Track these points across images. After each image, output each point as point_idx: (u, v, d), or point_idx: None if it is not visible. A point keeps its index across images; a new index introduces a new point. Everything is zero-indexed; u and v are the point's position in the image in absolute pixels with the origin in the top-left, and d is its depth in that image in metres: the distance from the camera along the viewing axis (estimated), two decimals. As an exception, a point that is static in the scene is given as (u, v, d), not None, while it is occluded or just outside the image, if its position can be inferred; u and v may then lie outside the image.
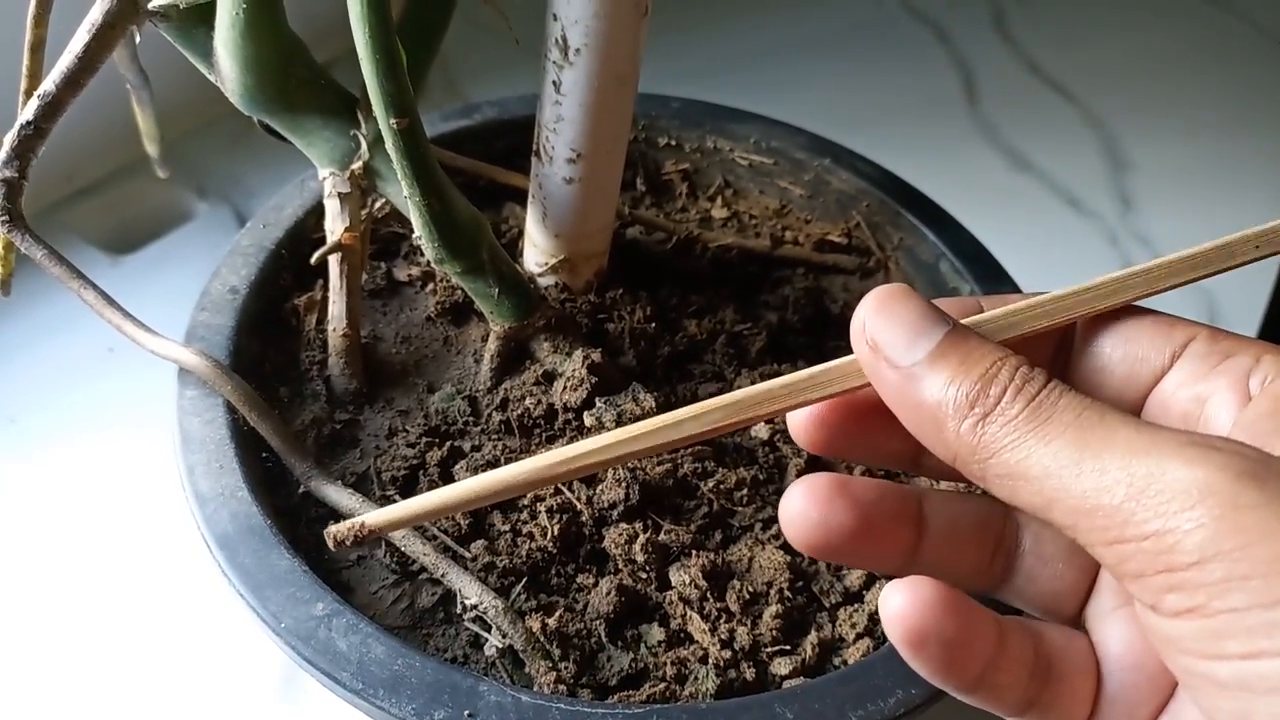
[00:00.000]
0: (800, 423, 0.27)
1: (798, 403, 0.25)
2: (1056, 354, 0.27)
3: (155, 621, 0.47)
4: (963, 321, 0.25)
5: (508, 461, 0.36)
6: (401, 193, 0.35)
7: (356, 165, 0.37)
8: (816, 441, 0.27)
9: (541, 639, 0.32)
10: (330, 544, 0.24)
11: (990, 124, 0.80)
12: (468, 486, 0.25)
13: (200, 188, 0.67)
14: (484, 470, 0.35)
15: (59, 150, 0.63)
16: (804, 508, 0.25)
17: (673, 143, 0.48)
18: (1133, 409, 0.26)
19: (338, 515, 0.35)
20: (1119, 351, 0.26)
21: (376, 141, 0.37)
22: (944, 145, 0.77)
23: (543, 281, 0.42)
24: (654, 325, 0.41)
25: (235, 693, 0.45)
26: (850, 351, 0.25)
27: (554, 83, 0.36)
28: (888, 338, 0.24)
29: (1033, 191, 0.76)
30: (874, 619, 0.34)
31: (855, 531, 0.25)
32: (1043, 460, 0.21)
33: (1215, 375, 0.24)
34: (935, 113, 0.81)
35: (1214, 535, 0.19)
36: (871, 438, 0.27)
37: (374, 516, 0.24)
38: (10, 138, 0.34)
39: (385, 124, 0.32)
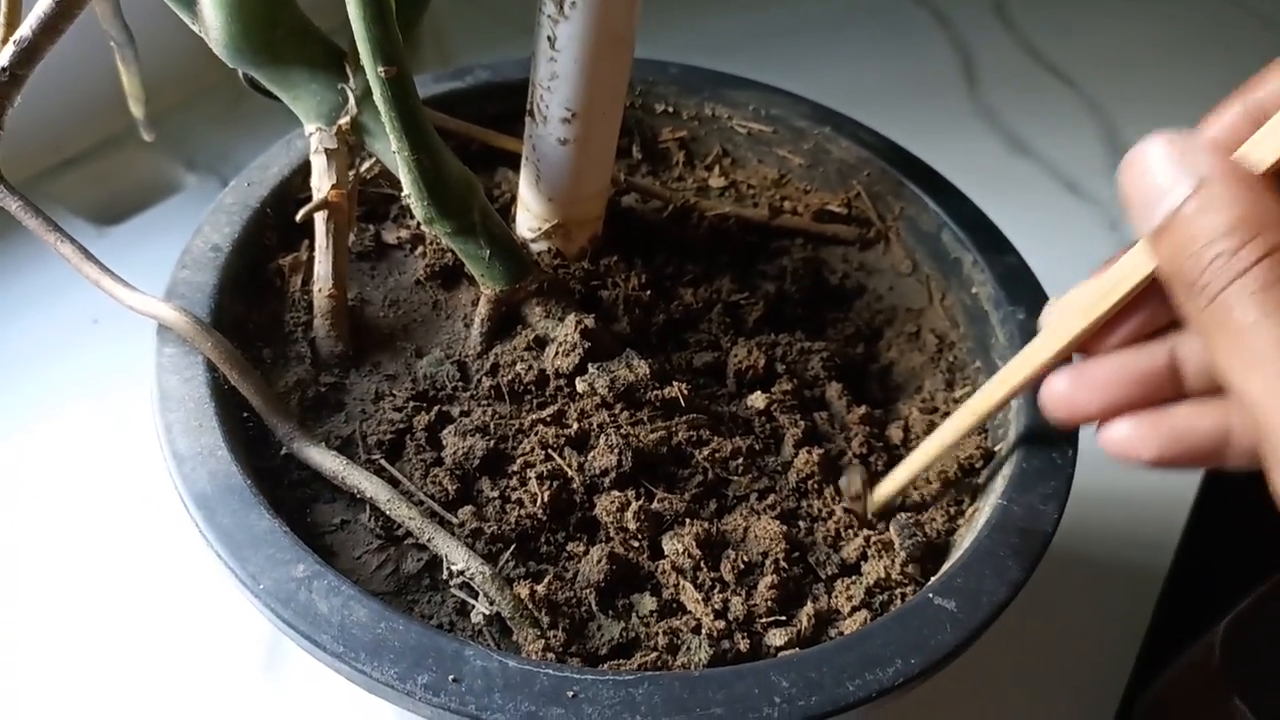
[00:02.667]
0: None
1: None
2: None
3: (138, 593, 0.46)
4: None
5: (497, 428, 0.35)
6: (390, 149, 0.34)
7: (344, 120, 0.36)
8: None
9: (530, 606, 0.31)
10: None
11: (989, 108, 0.79)
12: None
13: (189, 160, 0.66)
14: (473, 436, 0.35)
15: (45, 120, 0.63)
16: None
17: (670, 109, 0.47)
18: None
19: (320, 478, 0.34)
20: None
21: (365, 96, 0.36)
22: (943, 128, 0.76)
23: (535, 248, 0.40)
24: (649, 293, 0.40)
25: (219, 665, 0.44)
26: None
27: (549, 38, 0.35)
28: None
29: (1031, 176, 0.75)
30: (871, 591, 0.33)
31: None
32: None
33: None
34: (934, 96, 0.80)
35: None
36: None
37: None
38: (-15, 85, 0.33)
39: (373, 73, 0.31)
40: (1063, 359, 0.30)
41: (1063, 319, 0.30)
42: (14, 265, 0.57)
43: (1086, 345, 0.30)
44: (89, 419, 0.52)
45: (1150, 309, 0.29)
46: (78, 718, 0.42)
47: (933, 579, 0.32)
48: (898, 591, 0.33)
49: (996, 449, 0.36)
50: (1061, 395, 0.30)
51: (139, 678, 0.43)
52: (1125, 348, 0.29)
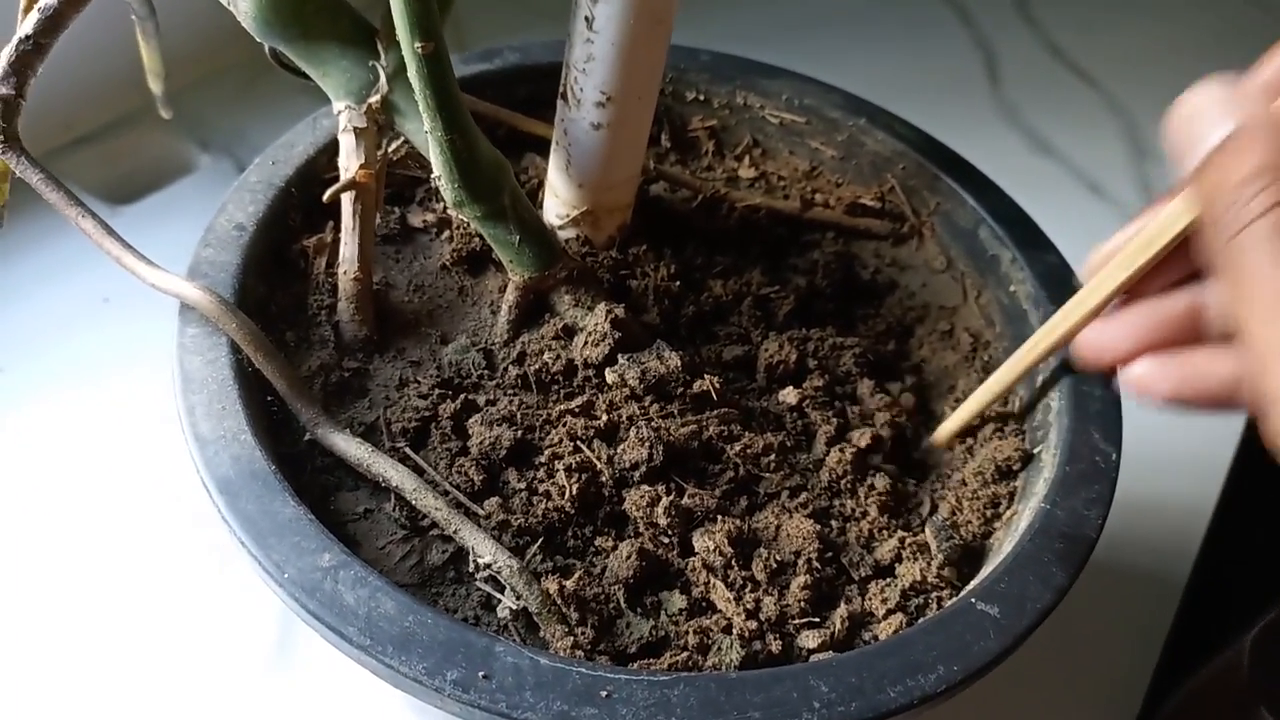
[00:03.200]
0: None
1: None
2: None
3: (143, 578, 0.45)
4: None
5: (524, 418, 0.35)
6: (421, 129, 0.33)
7: (374, 98, 0.35)
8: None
9: (558, 602, 0.30)
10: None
11: (1011, 106, 0.79)
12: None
13: (203, 140, 0.65)
14: (499, 426, 0.34)
15: (58, 97, 0.62)
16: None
17: (701, 97, 0.46)
18: None
19: (344, 465, 0.33)
20: None
21: (396, 74, 0.35)
22: (964, 125, 0.75)
23: (563, 234, 0.40)
24: (678, 284, 0.39)
25: (229, 653, 0.43)
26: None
27: (586, 18, 0.34)
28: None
29: (1053, 175, 0.74)
30: (906, 594, 0.33)
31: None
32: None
33: None
34: (956, 93, 0.79)
35: None
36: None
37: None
38: (8, 52, 0.32)
39: (409, 48, 0.30)
40: (1107, 306, 0.31)
41: (1108, 270, 0.31)
42: (25, 242, 0.56)
43: (1127, 292, 0.31)
44: (97, 399, 0.51)
45: (1183, 259, 0.29)
46: (83, 706, 0.41)
47: (973, 583, 0.32)
48: (934, 595, 0.33)
49: (1036, 451, 0.36)
50: (1089, 339, 0.32)
51: (147, 665, 0.42)
52: (1156, 295, 0.30)
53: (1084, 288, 0.32)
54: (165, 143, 0.64)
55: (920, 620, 0.31)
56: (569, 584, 0.30)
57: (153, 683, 0.42)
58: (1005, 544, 0.33)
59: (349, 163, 0.35)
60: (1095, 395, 0.35)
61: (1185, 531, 0.56)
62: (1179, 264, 0.30)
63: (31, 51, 0.32)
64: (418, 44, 0.30)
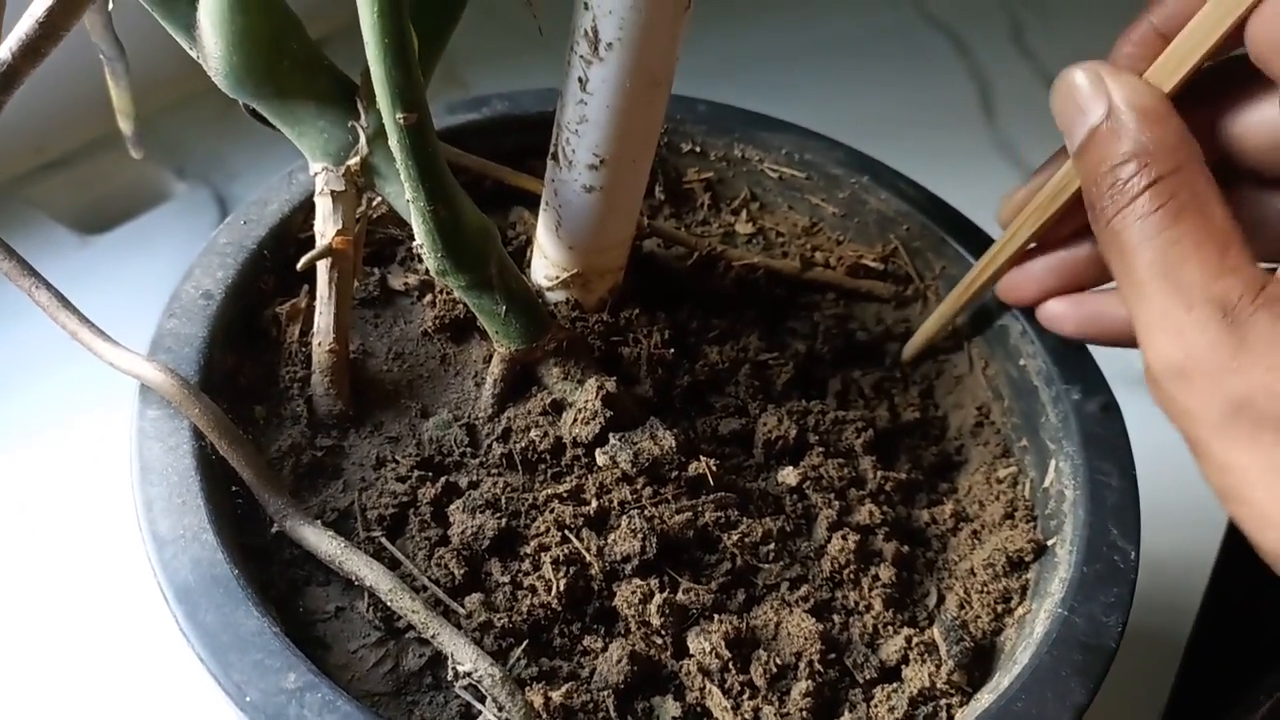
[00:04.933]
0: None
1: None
2: None
3: (118, 630, 0.43)
4: None
5: (509, 503, 0.33)
6: (402, 194, 0.31)
7: (353, 161, 0.33)
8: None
9: (544, 716, 0.28)
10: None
11: (1007, 139, 0.77)
12: None
13: (179, 167, 0.62)
14: (482, 513, 0.32)
15: (28, 119, 0.59)
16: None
17: (697, 149, 0.44)
18: None
19: (315, 558, 0.30)
20: None
21: (377, 135, 0.32)
22: (960, 158, 0.74)
23: (551, 296, 0.38)
24: (672, 351, 0.37)
25: (200, 709, 0.41)
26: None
27: (580, 79, 0.32)
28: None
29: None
30: (915, 702, 0.31)
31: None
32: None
33: None
34: (951, 125, 0.78)
35: None
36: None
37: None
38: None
39: (390, 118, 0.28)
40: (1023, 250, 0.36)
41: (1022, 219, 0.35)
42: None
43: (1040, 238, 0.35)
44: (68, 443, 0.49)
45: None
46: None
47: (984, 694, 0.30)
48: (942, 703, 0.31)
49: (1050, 543, 0.34)
50: (1008, 283, 0.37)
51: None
52: (1065, 241, 0.35)
53: (1002, 236, 0.36)
54: (140, 169, 0.62)
55: (931, 739, 0.29)
56: (556, 696, 0.28)
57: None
58: (1018, 646, 0.31)
59: (325, 228, 0.33)
60: (1112, 486, 0.33)
61: (1184, 588, 0.54)
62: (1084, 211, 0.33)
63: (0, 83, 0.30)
64: (400, 115, 0.27)
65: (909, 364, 0.40)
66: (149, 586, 0.43)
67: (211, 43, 0.31)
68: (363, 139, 0.32)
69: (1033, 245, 0.36)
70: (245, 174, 0.63)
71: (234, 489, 0.31)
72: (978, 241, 0.40)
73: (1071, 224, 0.34)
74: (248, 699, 0.25)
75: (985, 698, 0.30)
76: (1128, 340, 0.31)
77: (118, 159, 0.62)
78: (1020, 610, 0.33)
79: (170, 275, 0.35)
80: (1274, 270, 0.26)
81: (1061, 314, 0.35)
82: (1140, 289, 0.27)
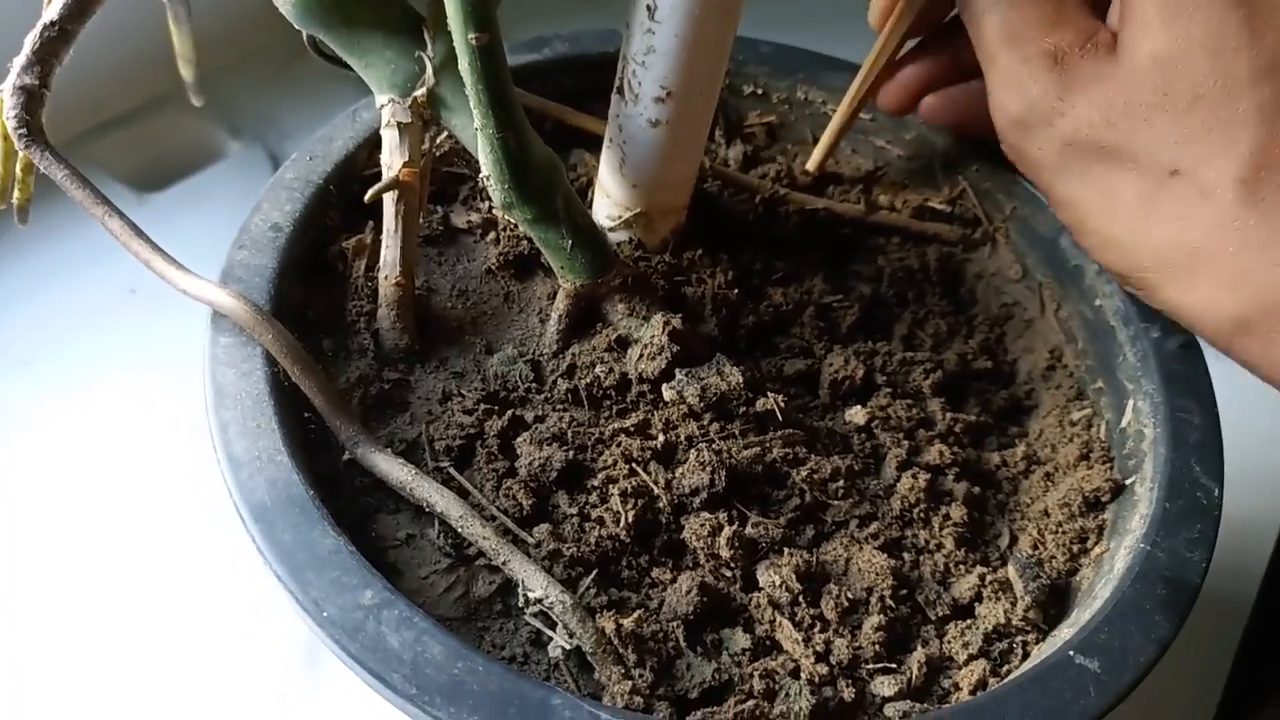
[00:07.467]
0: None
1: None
2: None
3: (169, 583, 0.43)
4: None
5: (575, 437, 0.32)
6: (469, 125, 0.31)
7: (420, 92, 0.32)
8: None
9: (614, 642, 0.28)
10: None
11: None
12: None
13: (234, 126, 0.63)
14: (549, 445, 0.32)
15: (86, 79, 0.60)
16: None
17: (759, 91, 0.43)
18: None
19: (384, 486, 0.30)
20: None
21: (444, 65, 0.32)
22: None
23: (614, 237, 0.37)
24: (736, 292, 0.37)
25: (252, 671, 0.41)
26: None
27: (649, 6, 0.32)
28: None
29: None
30: (989, 638, 0.30)
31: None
32: None
33: None
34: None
35: None
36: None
37: None
38: (32, 40, 0.30)
39: (461, 39, 0.27)
40: (897, 56, 0.38)
41: (888, 30, 0.37)
42: (49, 232, 0.54)
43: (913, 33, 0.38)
44: (122, 393, 0.49)
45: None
46: (91, 713, 0.40)
47: (1062, 628, 0.29)
48: (1018, 640, 0.30)
49: (1128, 482, 0.33)
50: (886, 94, 0.39)
51: (165, 680, 0.41)
52: (930, 46, 0.38)
53: (877, 43, 0.38)
54: (195, 128, 0.62)
55: (1009, 672, 0.29)
56: (626, 623, 0.28)
57: (171, 697, 0.40)
58: (1096, 584, 0.31)
59: (392, 160, 0.33)
60: (1194, 424, 0.32)
61: (1250, 550, 0.53)
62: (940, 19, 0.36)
63: (57, 39, 0.30)
64: (472, 35, 0.27)
65: (813, 175, 0.42)
66: (204, 523, 0.44)
67: (281, -28, 0.31)
68: (429, 69, 0.32)
69: (904, 52, 0.39)
70: (299, 133, 0.63)
71: (305, 415, 0.31)
72: (1049, 182, 0.39)
73: (937, 13, 0.37)
74: (325, 614, 0.25)
75: (1064, 632, 0.29)
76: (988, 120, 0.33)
77: (174, 118, 0.62)
78: (1097, 550, 0.32)
79: (225, 232, 0.35)
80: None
81: (937, 105, 0.38)
82: (991, 57, 0.30)
